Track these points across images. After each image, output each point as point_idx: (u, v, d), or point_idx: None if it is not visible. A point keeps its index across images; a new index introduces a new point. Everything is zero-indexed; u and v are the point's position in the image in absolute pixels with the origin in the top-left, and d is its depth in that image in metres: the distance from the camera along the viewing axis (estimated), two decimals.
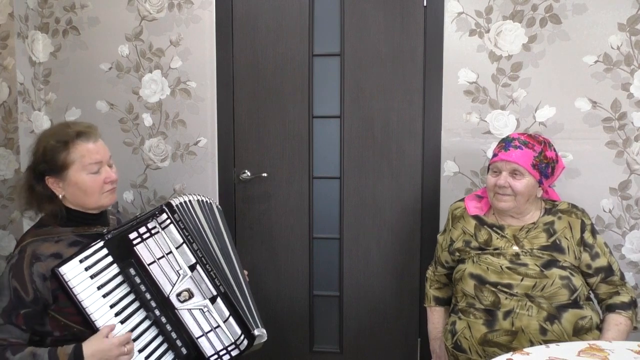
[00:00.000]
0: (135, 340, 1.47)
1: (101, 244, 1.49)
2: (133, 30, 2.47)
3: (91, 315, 1.43)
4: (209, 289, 1.51)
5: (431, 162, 2.35)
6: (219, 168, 2.48)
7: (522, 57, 2.23)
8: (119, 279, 1.49)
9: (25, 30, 2.43)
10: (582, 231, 1.77)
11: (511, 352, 1.47)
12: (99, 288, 1.45)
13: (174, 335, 1.49)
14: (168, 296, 1.48)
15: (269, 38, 2.42)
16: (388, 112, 2.38)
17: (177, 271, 1.49)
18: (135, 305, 1.50)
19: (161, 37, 2.45)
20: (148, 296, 1.48)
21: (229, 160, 2.48)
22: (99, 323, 1.44)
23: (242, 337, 1.51)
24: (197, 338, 1.50)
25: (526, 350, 1.48)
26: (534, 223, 1.79)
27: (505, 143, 1.81)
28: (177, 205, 1.55)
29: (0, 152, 2.37)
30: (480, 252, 1.78)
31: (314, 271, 2.51)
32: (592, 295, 1.80)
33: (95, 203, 1.57)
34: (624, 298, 1.74)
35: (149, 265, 1.48)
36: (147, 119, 2.50)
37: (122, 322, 1.46)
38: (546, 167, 1.76)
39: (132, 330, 1.48)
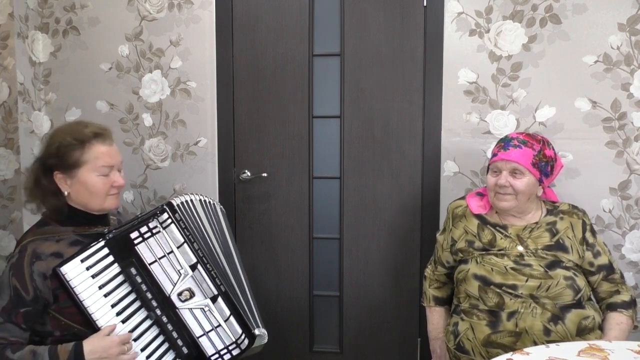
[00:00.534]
0: (136, 339, 1.48)
1: (102, 243, 1.49)
2: (133, 30, 2.47)
3: (92, 315, 1.43)
4: (210, 288, 1.51)
5: (431, 162, 2.35)
6: (219, 168, 2.48)
7: (522, 57, 2.23)
8: (120, 278, 1.49)
9: (25, 30, 2.43)
10: (584, 231, 1.78)
11: (511, 352, 1.47)
12: (100, 288, 1.45)
13: (175, 334, 1.49)
14: (169, 295, 1.48)
15: (269, 38, 2.42)
16: (388, 112, 2.38)
17: (178, 270, 1.49)
18: (137, 304, 1.50)
19: (161, 37, 2.45)
20: (149, 296, 1.49)
21: (229, 160, 2.48)
22: (100, 323, 1.44)
23: (243, 337, 1.52)
24: (198, 337, 1.50)
25: (526, 350, 1.48)
26: (536, 223, 1.79)
27: (505, 143, 1.81)
28: (178, 205, 1.56)
29: (0, 152, 2.37)
30: (484, 252, 1.78)
31: (314, 271, 2.51)
32: (592, 295, 1.80)
33: (98, 205, 1.58)
34: (625, 297, 1.75)
35: (150, 264, 1.48)
36: (147, 119, 2.50)
37: (123, 321, 1.47)
38: (546, 165, 1.76)
39: (133, 329, 1.48)
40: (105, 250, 1.49)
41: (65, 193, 1.55)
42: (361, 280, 2.47)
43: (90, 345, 1.41)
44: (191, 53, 2.44)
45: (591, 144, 2.21)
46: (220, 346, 1.50)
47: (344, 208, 2.45)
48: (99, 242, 1.49)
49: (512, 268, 1.71)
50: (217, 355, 1.50)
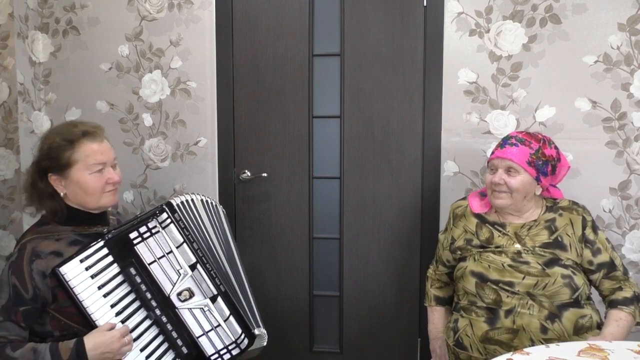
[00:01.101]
0: (136, 339, 1.48)
1: (101, 243, 1.49)
2: (133, 30, 2.47)
3: (92, 315, 1.43)
4: (210, 288, 1.51)
5: (431, 162, 2.35)
6: (219, 168, 2.48)
7: (522, 57, 2.23)
8: (120, 278, 1.49)
9: (25, 30, 2.43)
10: (584, 228, 1.78)
11: (511, 352, 1.47)
12: (99, 288, 1.45)
13: (174, 334, 1.50)
14: (169, 295, 1.48)
15: (269, 38, 2.42)
16: (388, 112, 2.38)
17: (178, 270, 1.49)
18: (136, 304, 1.50)
19: (161, 37, 2.45)
20: (148, 295, 1.49)
21: (229, 160, 2.48)
22: (99, 323, 1.44)
23: (242, 336, 1.52)
24: (197, 337, 1.50)
25: (526, 350, 1.48)
26: (535, 220, 1.79)
27: (503, 141, 1.82)
28: (177, 205, 1.56)
29: (0, 152, 2.37)
30: (481, 250, 1.78)
31: (314, 271, 2.51)
32: (592, 295, 1.80)
33: (95, 203, 1.57)
34: (627, 293, 1.73)
35: (149, 264, 1.48)
36: (147, 119, 2.50)
37: (122, 321, 1.47)
38: (544, 164, 1.76)
39: (133, 329, 1.48)
40: (105, 250, 1.49)
41: (62, 194, 1.55)
42: (361, 280, 2.47)
43: (91, 341, 1.42)
44: (191, 53, 2.44)
45: (591, 144, 2.21)
46: (220, 346, 1.50)
47: (344, 208, 2.45)
48: (98, 242, 1.49)
49: (509, 265, 1.72)
50: (216, 355, 1.50)
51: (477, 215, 1.86)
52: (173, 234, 1.49)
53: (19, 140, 2.38)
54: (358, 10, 2.36)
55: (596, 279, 1.76)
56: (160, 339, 1.51)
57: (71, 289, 1.42)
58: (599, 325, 1.71)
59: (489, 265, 1.74)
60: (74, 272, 1.43)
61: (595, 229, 1.80)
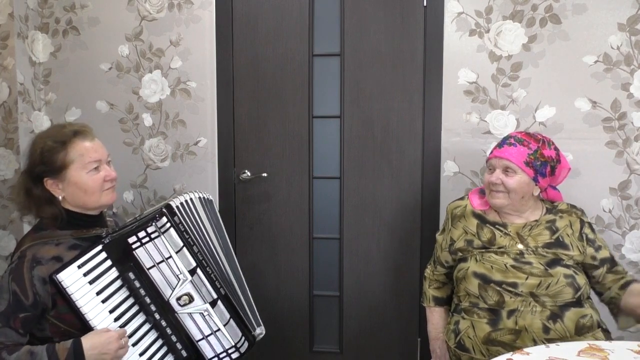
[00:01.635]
0: (135, 344, 1.47)
1: (100, 248, 1.48)
2: (133, 30, 2.47)
3: (90, 321, 1.42)
4: (210, 292, 1.50)
5: (431, 162, 2.35)
6: (219, 168, 2.48)
7: (522, 57, 2.23)
8: (118, 283, 1.48)
9: (25, 30, 2.43)
10: (582, 228, 1.79)
11: (511, 352, 1.47)
12: (97, 293, 1.45)
13: (174, 338, 1.49)
14: (168, 300, 1.48)
15: (269, 38, 2.42)
16: (388, 112, 2.38)
17: (177, 275, 1.48)
18: (135, 309, 1.50)
19: (161, 37, 2.45)
20: (147, 300, 1.48)
21: (229, 160, 2.48)
22: (98, 328, 1.43)
23: (242, 340, 1.52)
24: (197, 341, 1.50)
25: (526, 350, 1.48)
26: (536, 220, 1.79)
27: (502, 141, 1.83)
28: (177, 207, 1.54)
29: (0, 152, 2.37)
30: (483, 250, 1.78)
31: (314, 271, 2.51)
32: (593, 294, 1.80)
33: (95, 202, 1.56)
34: (631, 279, 1.76)
35: (148, 269, 1.47)
36: (147, 119, 2.50)
37: (121, 326, 1.46)
38: (542, 165, 1.76)
39: (132, 334, 1.47)
40: (103, 255, 1.48)
41: (60, 198, 1.53)
42: (361, 280, 2.47)
43: (89, 341, 1.41)
44: (191, 53, 2.44)
45: (591, 144, 2.21)
46: (219, 350, 1.51)
47: (343, 208, 2.45)
48: (97, 246, 1.48)
49: (512, 266, 1.71)
50: (216, 359, 1.50)
51: (477, 216, 1.86)
52: (172, 239, 1.48)
53: (19, 140, 2.38)
54: (358, 10, 2.36)
55: (600, 274, 1.76)
56: (159, 342, 1.51)
57: (69, 295, 1.41)
58: (600, 325, 1.71)
59: (491, 266, 1.73)
60: (72, 278, 1.42)
61: (592, 229, 1.82)
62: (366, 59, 2.37)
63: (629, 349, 1.47)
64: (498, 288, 1.70)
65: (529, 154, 1.75)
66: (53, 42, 2.52)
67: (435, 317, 1.99)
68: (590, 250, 1.76)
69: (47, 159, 1.51)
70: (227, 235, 1.77)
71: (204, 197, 1.72)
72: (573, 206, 1.85)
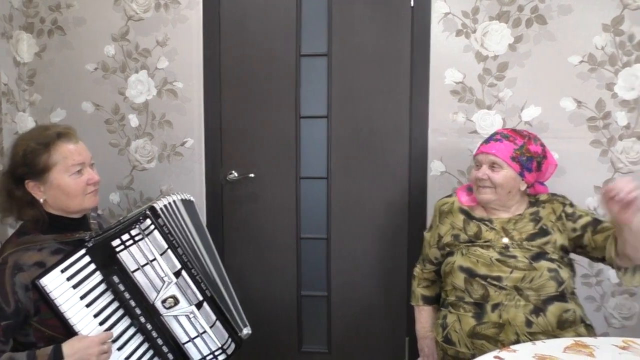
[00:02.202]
0: (120, 348, 1.46)
1: (83, 251, 1.45)
2: (119, 30, 2.45)
3: (74, 326, 1.40)
4: (195, 294, 1.49)
5: (418, 161, 2.36)
6: (206, 169, 2.47)
7: (508, 57, 2.24)
8: (102, 287, 1.46)
9: (9, 30, 2.40)
10: (563, 208, 1.79)
11: (498, 350, 1.48)
12: (81, 298, 1.42)
13: (159, 341, 1.48)
14: (153, 303, 1.46)
15: (256, 38, 2.42)
16: (375, 112, 2.38)
17: (162, 278, 1.46)
18: (120, 312, 1.48)
19: (148, 37, 2.44)
20: (132, 303, 1.46)
21: (216, 161, 2.47)
22: (82, 333, 1.41)
23: (229, 341, 1.52)
24: (183, 344, 1.49)
25: (513, 347, 1.50)
26: (520, 214, 1.81)
27: (488, 137, 1.85)
28: (161, 209, 1.52)
29: None
30: (469, 244, 1.80)
31: (301, 271, 2.51)
32: (579, 289, 1.81)
33: (78, 206, 1.54)
34: None
35: (132, 272, 1.45)
36: (134, 120, 2.48)
37: (106, 330, 1.44)
38: (528, 160, 1.78)
39: (117, 338, 1.46)
40: (87, 259, 1.45)
41: (41, 200, 1.51)
42: (349, 280, 2.48)
43: (69, 347, 1.38)
44: (178, 53, 2.43)
45: (576, 143, 2.23)
46: (206, 352, 1.50)
47: (331, 208, 2.45)
48: (80, 250, 1.45)
49: (497, 259, 1.73)
50: None
51: (464, 212, 1.88)
52: (157, 241, 1.47)
53: (3, 141, 2.35)
54: (345, 10, 2.36)
55: (588, 239, 1.74)
56: (145, 346, 1.49)
57: (52, 300, 1.38)
58: (583, 320, 1.74)
59: (477, 260, 1.75)
60: (55, 282, 1.39)
61: (573, 205, 1.81)
62: (353, 59, 2.37)
63: (614, 345, 1.49)
64: (483, 282, 1.72)
65: (515, 149, 1.77)
66: (38, 42, 2.50)
67: (424, 316, 2.00)
68: (569, 225, 1.77)
69: (29, 161, 1.49)
70: (209, 237, 1.76)
71: (186, 199, 1.70)
72: (554, 194, 1.87)
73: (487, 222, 1.82)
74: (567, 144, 2.23)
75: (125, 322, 1.48)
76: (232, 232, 2.51)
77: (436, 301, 1.99)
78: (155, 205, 1.52)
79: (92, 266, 1.45)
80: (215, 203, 2.48)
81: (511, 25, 2.23)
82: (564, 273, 1.71)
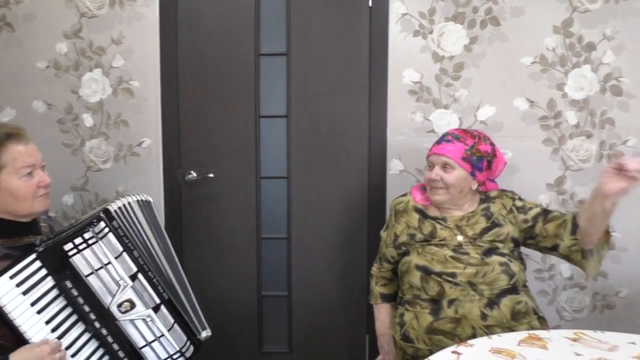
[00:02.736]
0: (74, 355, 1.41)
1: (34, 256, 1.40)
2: (72, 27, 2.38)
3: (25, 334, 1.35)
4: (152, 297, 1.46)
5: (377, 160, 2.38)
6: (164, 169, 2.43)
7: (464, 57, 2.29)
8: (54, 292, 1.42)
9: None
10: (513, 202, 1.85)
11: (456, 345, 1.51)
12: (32, 304, 1.37)
13: (115, 346, 1.44)
14: (108, 308, 1.43)
15: (214, 37, 2.39)
16: (335, 112, 2.39)
17: (117, 282, 1.43)
18: (73, 318, 1.43)
19: (102, 34, 2.38)
20: (87, 309, 1.42)
21: (174, 161, 2.43)
22: (33, 341, 1.36)
23: (187, 344, 1.50)
24: (140, 348, 1.46)
25: (470, 342, 1.53)
26: (473, 211, 1.85)
27: (440, 138, 1.88)
28: (116, 211, 1.48)
29: None
30: (425, 243, 1.83)
31: (262, 271, 2.50)
32: (530, 283, 1.87)
33: (28, 209, 1.49)
34: None
35: (86, 277, 1.41)
36: (88, 120, 2.42)
37: (59, 337, 1.40)
38: (479, 160, 1.82)
39: (71, 344, 1.41)
40: (38, 264, 1.40)
41: None
42: (309, 280, 2.48)
43: (18, 357, 1.33)
44: (134, 51, 2.38)
45: (529, 142, 2.30)
46: (163, 356, 1.47)
47: (291, 208, 2.45)
48: (30, 255, 1.40)
49: (451, 257, 1.77)
50: None
51: (419, 211, 1.90)
52: (112, 244, 1.43)
53: None
54: (304, 9, 2.36)
55: (539, 230, 1.80)
56: (100, 351, 1.46)
57: (1, 308, 1.33)
58: (535, 311, 1.79)
59: (432, 258, 1.79)
60: (4, 289, 1.34)
61: (522, 199, 1.88)
62: (313, 58, 2.37)
63: (566, 337, 1.54)
64: (438, 279, 1.75)
65: (465, 150, 1.81)
66: None
67: (383, 313, 2.02)
68: (521, 217, 1.82)
69: None
70: (167, 238, 1.73)
71: (142, 200, 1.66)
72: (503, 190, 1.92)
73: (440, 221, 1.85)
74: (521, 142, 2.29)
75: (80, 327, 1.44)
76: (191, 233, 2.48)
77: (394, 299, 2.01)
78: (109, 207, 1.48)
79: (44, 271, 1.40)
80: (174, 204, 2.44)
81: (466, 27, 2.27)
82: (515, 266, 1.76)
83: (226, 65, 2.39)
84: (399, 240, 1.90)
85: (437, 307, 1.76)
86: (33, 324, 1.36)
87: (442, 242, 1.81)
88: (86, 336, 1.44)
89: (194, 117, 2.42)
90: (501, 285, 1.73)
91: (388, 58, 2.32)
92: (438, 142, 1.86)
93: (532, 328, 1.73)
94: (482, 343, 1.52)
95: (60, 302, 1.42)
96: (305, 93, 2.39)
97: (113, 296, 1.43)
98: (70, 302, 1.42)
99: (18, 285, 1.36)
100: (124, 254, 1.44)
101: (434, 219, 1.87)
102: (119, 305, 1.43)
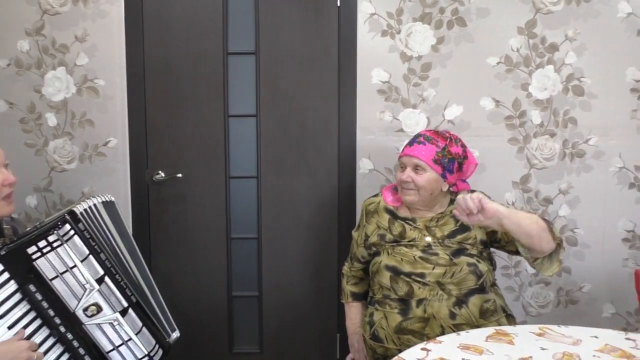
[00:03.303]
0: None
1: None
2: (34, 24, 2.32)
3: None
4: (119, 301, 1.43)
5: (347, 159, 2.39)
6: (131, 169, 2.39)
7: (431, 57, 2.31)
8: (18, 296, 1.37)
9: None
10: None
11: (425, 342, 1.53)
12: None
13: (81, 351, 1.41)
14: (74, 312, 1.39)
15: (181, 35, 2.36)
16: (304, 111, 2.39)
17: (83, 285, 1.40)
18: (37, 323, 1.39)
19: (65, 32, 2.32)
20: (51, 313, 1.39)
21: (142, 161, 2.40)
22: None
23: (156, 347, 1.47)
24: (107, 352, 1.43)
25: (439, 339, 1.55)
26: (442, 212, 1.87)
27: (412, 139, 1.89)
28: (81, 213, 1.45)
29: None
30: (395, 244, 1.84)
31: (232, 272, 2.49)
32: (496, 281, 1.90)
33: None
34: None
35: (51, 280, 1.38)
36: (51, 119, 2.36)
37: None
38: (450, 162, 1.84)
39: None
40: (0, 267, 1.36)
41: None
42: (280, 279, 2.48)
43: None
44: (98, 49, 2.33)
45: (495, 141, 2.34)
46: None
47: (261, 207, 2.44)
48: None
49: (420, 257, 1.79)
50: None
51: (389, 211, 1.92)
52: (77, 247, 1.40)
53: None
54: (272, 9, 2.35)
55: (501, 235, 1.80)
56: (65, 356, 1.42)
57: None
58: (504, 309, 1.83)
59: (401, 259, 1.80)
60: None
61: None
62: (282, 58, 2.37)
63: (531, 332, 1.58)
64: (407, 279, 1.77)
65: (437, 152, 1.82)
66: None
67: (353, 312, 2.03)
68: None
69: None
70: (133, 239, 1.70)
71: (107, 201, 1.63)
72: (473, 191, 1.94)
73: (410, 222, 1.87)
74: (487, 141, 2.33)
75: (44, 332, 1.40)
76: (159, 234, 2.45)
77: (365, 297, 2.02)
78: (75, 209, 1.44)
79: (6, 275, 1.36)
80: (141, 204, 2.41)
81: (433, 27, 2.30)
82: (483, 267, 1.79)
83: (194, 63, 2.37)
84: (370, 240, 1.91)
85: (406, 307, 1.77)
86: None
87: (411, 243, 1.83)
88: (51, 341, 1.41)
89: (162, 116, 2.39)
90: (469, 285, 1.76)
91: (357, 57, 2.33)
92: (410, 144, 1.86)
93: (500, 326, 1.76)
94: (450, 339, 1.55)
95: (23, 307, 1.38)
96: (274, 92, 2.39)
97: (79, 300, 1.39)
98: (34, 306, 1.38)
99: None
100: (90, 256, 1.40)
101: (404, 219, 1.88)
102: (85, 309, 1.40)
